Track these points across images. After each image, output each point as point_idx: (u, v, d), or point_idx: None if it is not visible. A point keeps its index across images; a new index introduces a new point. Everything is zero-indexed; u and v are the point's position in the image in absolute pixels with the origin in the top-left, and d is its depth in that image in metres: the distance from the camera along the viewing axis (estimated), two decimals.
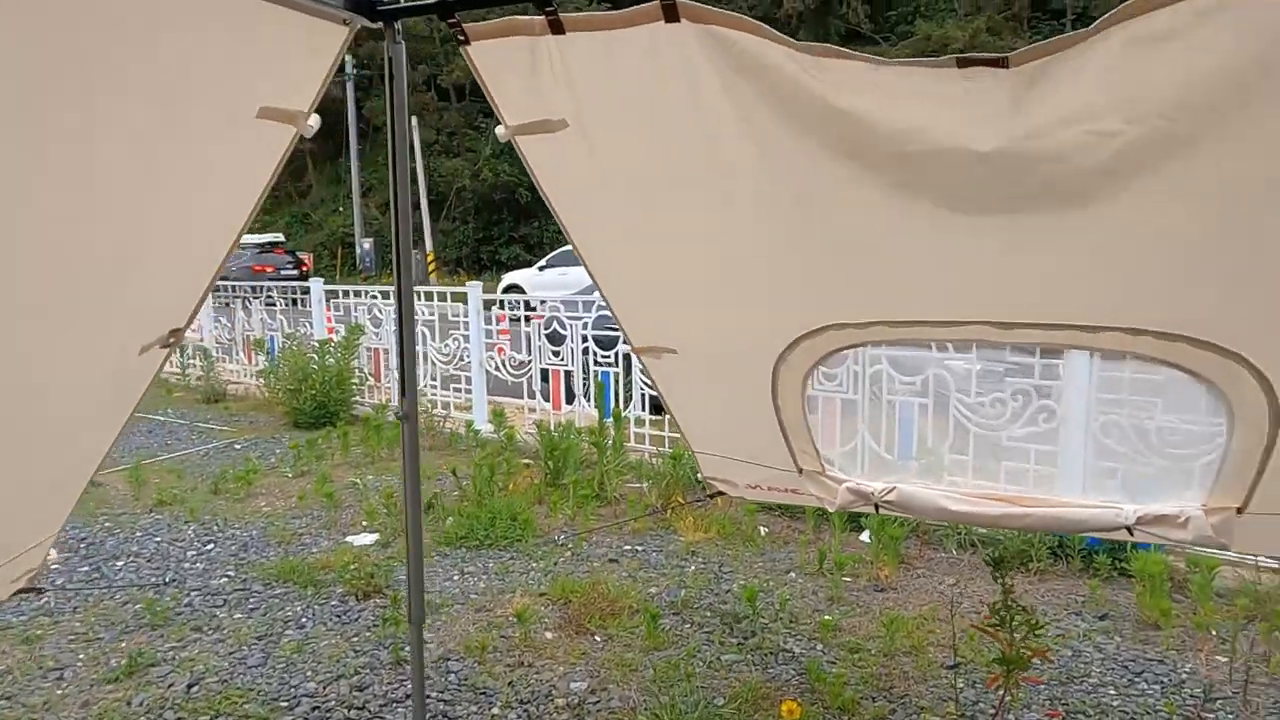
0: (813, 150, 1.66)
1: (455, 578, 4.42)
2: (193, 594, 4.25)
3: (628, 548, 4.83)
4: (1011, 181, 1.47)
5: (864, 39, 27.23)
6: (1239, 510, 2.31)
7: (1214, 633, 3.73)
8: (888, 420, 5.47)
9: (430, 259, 27.08)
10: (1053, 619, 3.90)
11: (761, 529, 5.11)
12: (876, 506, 2.72)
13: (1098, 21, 1.30)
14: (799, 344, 2.22)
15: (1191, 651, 3.59)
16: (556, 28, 1.68)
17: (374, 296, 8.86)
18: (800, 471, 2.85)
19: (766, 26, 1.53)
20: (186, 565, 4.68)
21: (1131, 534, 2.41)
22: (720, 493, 3.36)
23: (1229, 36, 1.25)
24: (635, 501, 5.35)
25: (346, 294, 9.50)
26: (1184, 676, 3.35)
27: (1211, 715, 3.08)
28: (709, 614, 3.93)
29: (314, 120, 1.93)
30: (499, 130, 2.02)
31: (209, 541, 5.05)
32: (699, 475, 4.13)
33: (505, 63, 1.82)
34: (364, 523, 5.28)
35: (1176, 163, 1.41)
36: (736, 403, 2.71)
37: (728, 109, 1.68)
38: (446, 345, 8.10)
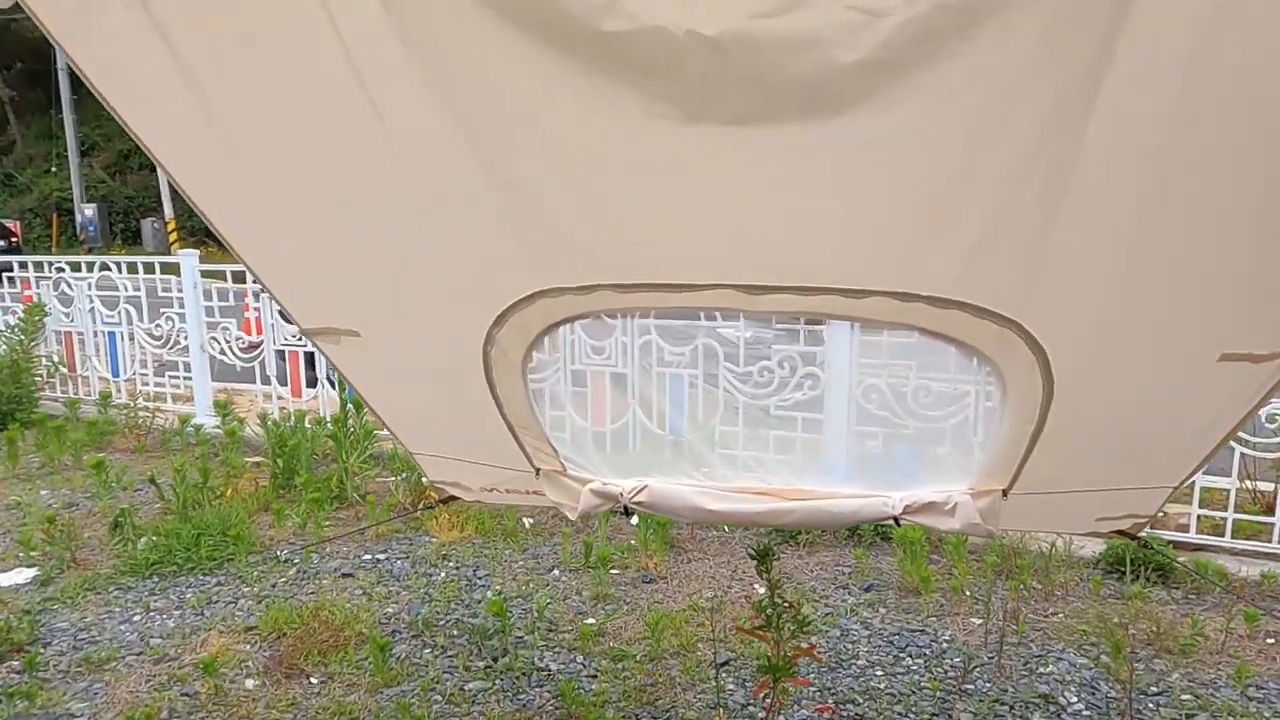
0: (483, 39, 1.12)
1: (137, 617, 3.53)
2: None
3: (368, 557, 4.14)
4: (748, 79, 1.02)
5: None
6: (1004, 492, 2.12)
7: (969, 594, 3.74)
8: (659, 393, 5.17)
9: (171, 226, 23.82)
10: (821, 595, 3.75)
11: (526, 520, 4.62)
12: (626, 509, 2.29)
13: None
14: (507, 319, 1.69)
15: (950, 617, 3.56)
16: None
17: (61, 269, 7.28)
18: (537, 472, 2.36)
19: None
20: None
21: (898, 524, 2.15)
22: (454, 497, 2.81)
23: None
24: (376, 503, 4.66)
25: (48, 267, 7.57)
26: (944, 646, 3.28)
27: (971, 686, 3.01)
28: (455, 632, 3.38)
29: None
30: None
31: None
32: (424, 479, 3.56)
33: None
34: (20, 554, 4.16)
35: (959, 63, 1.02)
36: (448, 394, 2.16)
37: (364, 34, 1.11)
38: (158, 325, 6.81)
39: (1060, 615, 3.58)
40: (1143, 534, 2.42)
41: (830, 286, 1.36)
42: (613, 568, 3.99)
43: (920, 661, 3.18)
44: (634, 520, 4.51)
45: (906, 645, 3.29)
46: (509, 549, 4.26)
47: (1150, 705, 2.90)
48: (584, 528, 4.50)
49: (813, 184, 1.21)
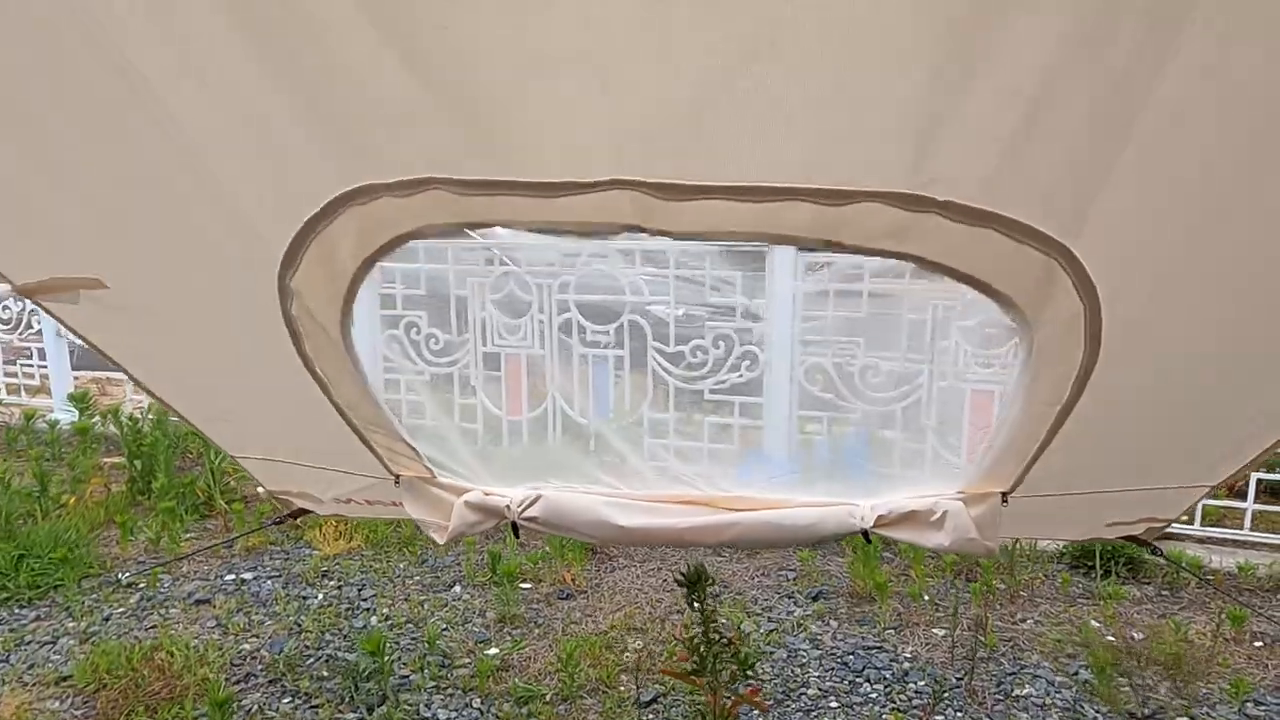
0: None
1: None
2: None
3: (231, 578, 3.48)
4: None
5: None
6: (1005, 496, 1.63)
7: (928, 598, 3.31)
8: (581, 377, 4.61)
9: None
10: (764, 608, 3.26)
11: None
12: (515, 527, 1.73)
13: None
14: (302, 254, 1.11)
15: (910, 628, 3.11)
16: None
17: None
18: (397, 480, 1.78)
19: None
20: None
21: (869, 539, 1.65)
22: (305, 510, 2.20)
23: None
24: (245, 511, 3.98)
25: None
26: (906, 666, 2.83)
27: (940, 717, 2.55)
28: (326, 673, 2.77)
29: None
30: None
31: None
32: (259, 489, 2.94)
33: None
34: None
35: None
36: (258, 374, 1.56)
37: None
38: (5, 308, 5.93)
39: (1030, 621, 3.17)
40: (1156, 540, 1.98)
41: (792, 186, 0.83)
42: (524, 581, 3.43)
43: (880, 688, 2.71)
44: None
45: (863, 667, 2.81)
46: (404, 562, 3.66)
47: None
48: (494, 533, 3.92)
49: (767, 5, 0.68)
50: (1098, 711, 2.58)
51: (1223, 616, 3.06)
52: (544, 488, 1.72)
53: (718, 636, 2.04)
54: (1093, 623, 3.15)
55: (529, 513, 1.69)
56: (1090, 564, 3.59)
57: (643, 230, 0.89)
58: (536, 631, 3.06)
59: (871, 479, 1.76)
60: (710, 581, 2.04)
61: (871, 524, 1.60)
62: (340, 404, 1.51)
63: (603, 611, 3.20)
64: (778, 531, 1.65)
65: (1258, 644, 2.99)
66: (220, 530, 3.98)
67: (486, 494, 1.71)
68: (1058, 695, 2.66)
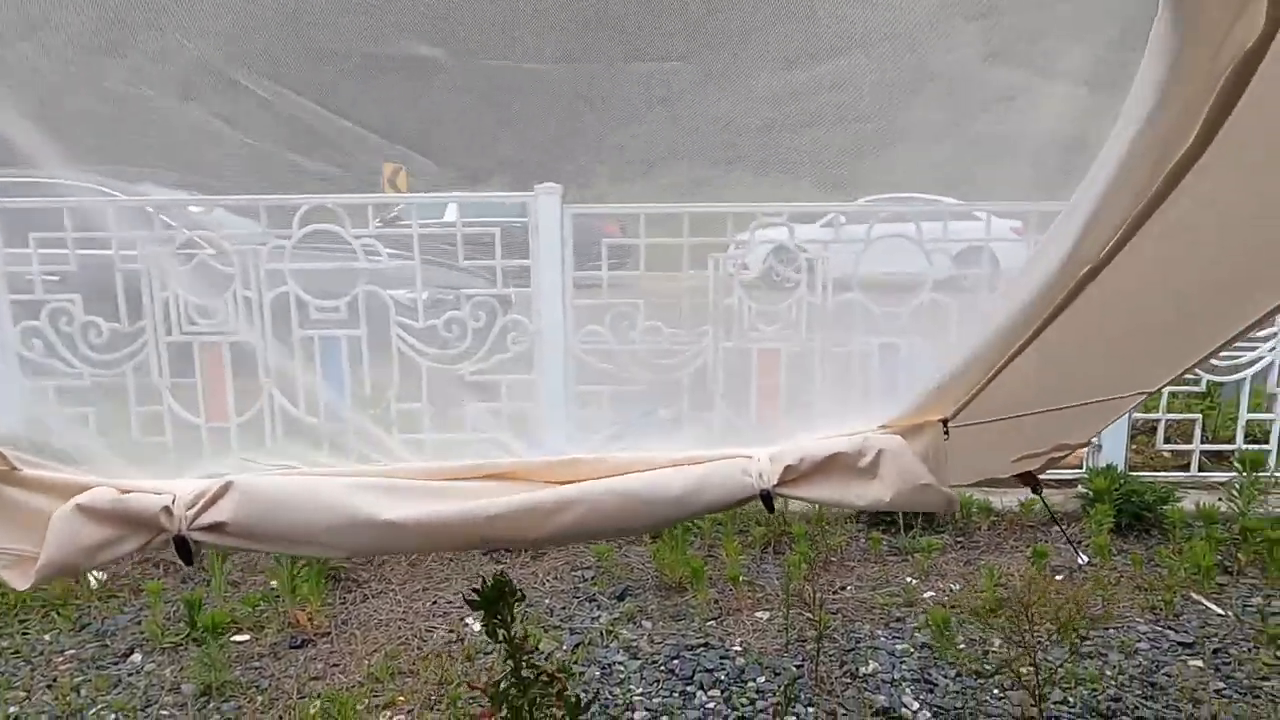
0: None
1: None
2: None
3: None
4: None
5: None
6: (946, 425, 1.18)
7: (743, 579, 2.91)
8: (305, 366, 3.69)
9: None
10: (563, 618, 2.66)
11: (93, 577, 2.91)
12: (185, 545, 0.98)
13: None
14: None
15: (732, 615, 2.68)
16: None
17: None
18: None
19: None
20: None
21: (770, 505, 1.11)
22: None
23: None
24: None
25: None
26: (740, 663, 2.38)
27: (792, 717, 2.13)
28: None
29: None
30: None
31: None
32: None
33: None
34: None
35: None
36: None
37: None
38: None
39: (850, 588, 2.89)
40: (1046, 475, 1.68)
41: None
42: (238, 632, 2.54)
43: (717, 694, 2.23)
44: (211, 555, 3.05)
45: (693, 672, 2.32)
46: (51, 630, 2.57)
47: (993, 693, 2.24)
48: (197, 572, 2.94)
49: None
50: (946, 676, 2.30)
51: (1011, 551, 2.98)
52: (236, 476, 0.99)
53: (533, 674, 1.41)
54: (909, 579, 2.94)
55: (209, 516, 0.96)
56: (890, 519, 3.42)
57: None
58: (260, 699, 2.20)
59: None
60: (519, 597, 1.41)
61: (775, 481, 1.08)
62: None
63: (354, 657, 2.41)
64: (639, 507, 1.06)
65: (1059, 577, 2.94)
66: None
67: (124, 491, 0.95)
68: (904, 665, 2.36)
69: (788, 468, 1.07)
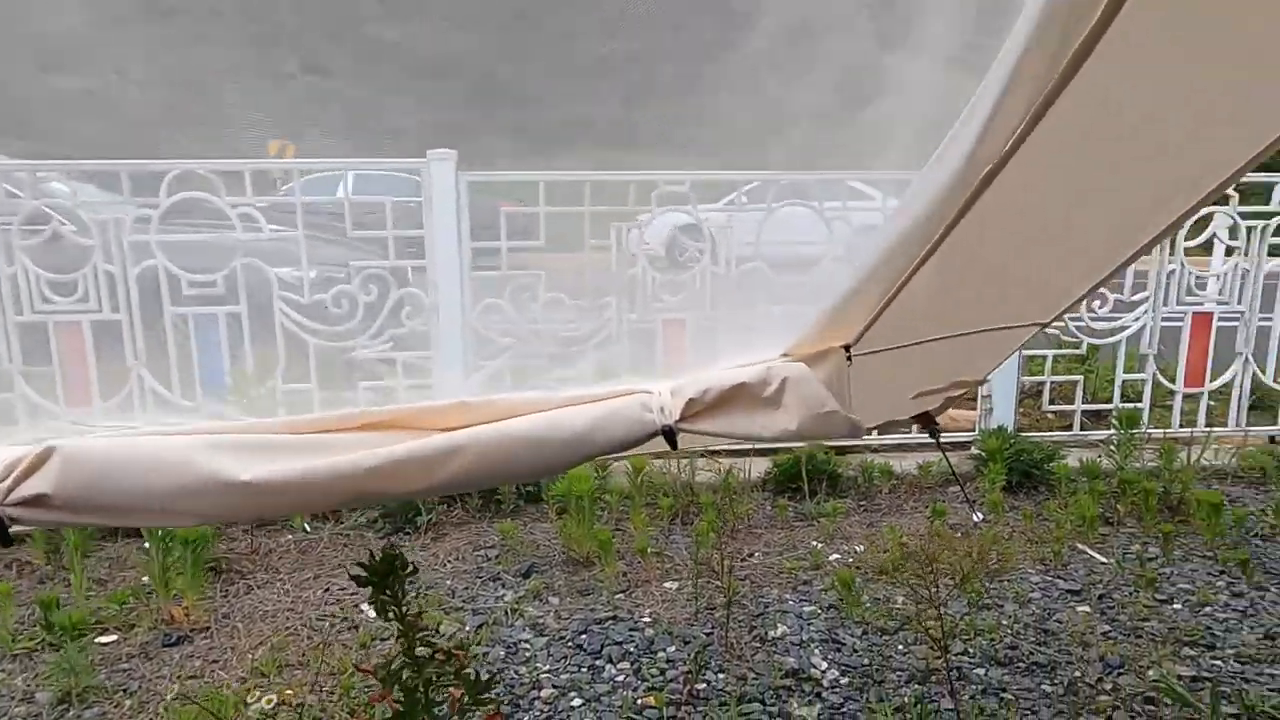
0: None
1: None
2: None
3: None
4: None
5: None
6: (849, 350, 1.14)
7: (651, 550, 2.86)
8: (179, 345, 3.42)
9: None
10: (466, 599, 2.55)
11: None
12: (1, 523, 0.83)
13: None
14: None
15: (640, 587, 2.63)
16: None
17: None
18: None
19: None
20: None
21: (673, 442, 1.04)
22: None
23: None
24: None
25: None
26: (650, 635, 2.33)
27: (703, 684, 2.09)
28: None
29: None
30: None
31: None
32: None
33: None
34: None
35: None
36: None
37: None
38: None
39: (757, 555, 2.89)
40: (940, 421, 1.68)
41: None
42: (104, 632, 2.31)
43: (626, 666, 2.18)
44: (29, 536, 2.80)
45: (601, 646, 2.26)
46: None
47: (898, 649, 2.27)
48: (55, 568, 2.68)
49: None
50: (853, 635, 2.32)
51: (913, 511, 3.05)
52: (59, 440, 0.85)
53: (428, 652, 1.31)
54: (815, 543, 2.96)
55: (28, 488, 0.82)
56: (795, 486, 3.45)
57: None
58: (128, 704, 2.01)
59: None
60: (411, 569, 1.30)
61: (678, 416, 1.01)
62: None
63: (237, 651, 2.24)
64: (533, 449, 0.98)
65: (958, 535, 3.02)
66: None
67: None
68: (811, 627, 2.36)
69: (690, 401, 1.00)
